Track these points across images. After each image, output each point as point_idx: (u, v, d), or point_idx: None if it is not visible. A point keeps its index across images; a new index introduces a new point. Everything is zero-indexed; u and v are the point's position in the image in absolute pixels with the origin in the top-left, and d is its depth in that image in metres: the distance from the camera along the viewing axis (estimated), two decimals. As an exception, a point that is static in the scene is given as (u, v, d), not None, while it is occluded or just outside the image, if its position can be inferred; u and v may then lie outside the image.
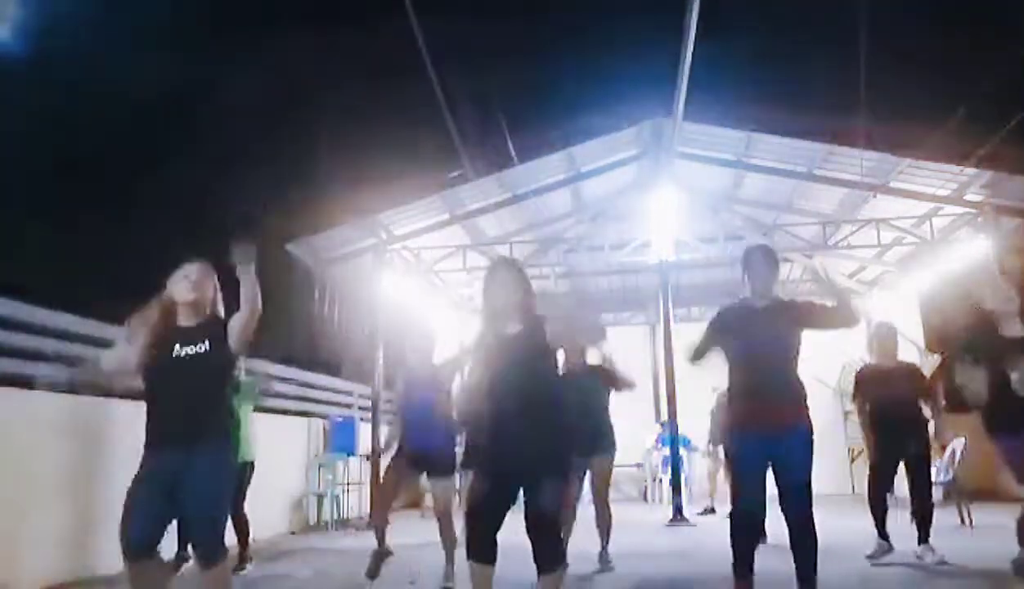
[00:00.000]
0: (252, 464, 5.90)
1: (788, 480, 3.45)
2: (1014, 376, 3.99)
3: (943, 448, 8.34)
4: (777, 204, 11.25)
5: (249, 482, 5.86)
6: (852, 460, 11.45)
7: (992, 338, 4.16)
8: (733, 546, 3.56)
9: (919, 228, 10.18)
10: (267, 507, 6.03)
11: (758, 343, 3.52)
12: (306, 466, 9.07)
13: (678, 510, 8.63)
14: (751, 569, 3.54)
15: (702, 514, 9.10)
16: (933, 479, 7.75)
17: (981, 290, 4.35)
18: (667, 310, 9.76)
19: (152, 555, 2.94)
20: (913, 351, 11.34)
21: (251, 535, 5.82)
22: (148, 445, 3.03)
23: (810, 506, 3.42)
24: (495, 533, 3.02)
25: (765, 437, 3.43)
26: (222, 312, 3.21)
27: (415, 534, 5.03)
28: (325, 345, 11.20)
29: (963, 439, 7.64)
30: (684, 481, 9.29)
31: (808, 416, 3.52)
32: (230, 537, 5.77)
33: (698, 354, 3.76)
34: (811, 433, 3.50)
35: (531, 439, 2.98)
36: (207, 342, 3.07)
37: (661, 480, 11.23)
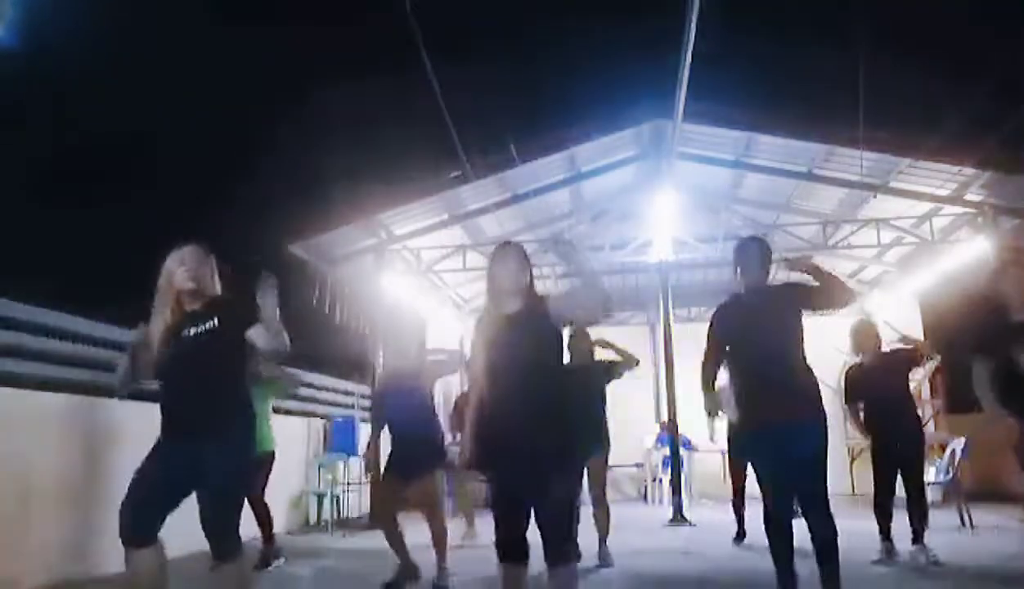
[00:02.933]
0: (273, 454, 5.93)
1: (803, 477, 3.41)
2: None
3: (943, 448, 8.35)
4: (777, 204, 11.25)
5: (270, 472, 5.88)
6: (852, 460, 11.45)
7: (1001, 324, 4.04)
8: (771, 553, 3.51)
9: (919, 228, 10.18)
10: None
11: (757, 339, 3.49)
12: (306, 466, 9.08)
13: (678, 510, 8.63)
14: (792, 574, 3.46)
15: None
16: (933, 479, 7.81)
17: (983, 283, 4.29)
18: (667, 310, 9.76)
19: (150, 542, 2.91)
20: (913, 351, 11.35)
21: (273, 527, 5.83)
22: (163, 434, 3.00)
23: (827, 503, 3.37)
24: (524, 531, 2.95)
25: (777, 435, 3.37)
26: (220, 291, 3.17)
27: (423, 534, 5.01)
28: (326, 345, 11.20)
29: (963, 439, 7.64)
30: (684, 481, 9.28)
31: (819, 407, 3.45)
32: (252, 530, 5.83)
33: (710, 374, 3.72)
34: (823, 425, 3.43)
35: (535, 428, 2.90)
36: (215, 319, 3.03)
37: (661, 480, 11.23)
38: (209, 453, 2.90)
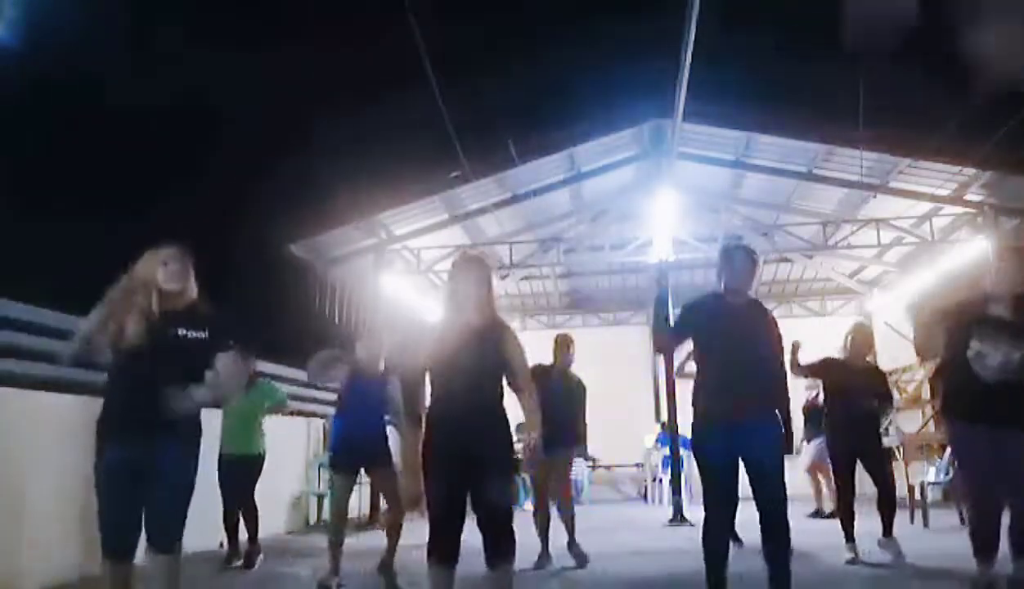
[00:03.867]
0: (263, 457, 5.98)
1: (764, 476, 3.38)
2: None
3: (942, 448, 8.34)
4: (777, 204, 11.26)
5: (258, 475, 5.92)
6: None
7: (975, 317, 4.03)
8: (706, 554, 3.49)
9: (919, 228, 10.18)
10: (267, 507, 6.08)
11: (739, 340, 3.47)
12: (306, 466, 9.08)
13: (678, 510, 8.63)
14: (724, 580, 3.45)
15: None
16: (933, 479, 7.81)
17: (976, 281, 4.29)
18: (667, 310, 9.76)
19: (132, 555, 2.95)
20: (913, 351, 11.35)
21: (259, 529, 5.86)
22: (114, 430, 2.96)
23: (783, 504, 3.36)
24: (458, 533, 3.01)
25: (734, 433, 3.36)
26: (196, 294, 3.18)
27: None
28: (326, 345, 11.21)
29: (949, 444, 7.63)
30: (684, 481, 9.28)
31: (776, 414, 3.47)
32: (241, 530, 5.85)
33: (673, 340, 3.79)
34: (780, 430, 3.45)
35: (479, 430, 3.00)
36: (206, 331, 3.06)
37: (661, 480, 11.23)
38: (165, 449, 2.95)
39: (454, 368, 3.07)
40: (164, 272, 3.06)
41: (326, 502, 8.82)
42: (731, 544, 3.60)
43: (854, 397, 5.32)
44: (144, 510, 2.94)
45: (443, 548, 2.99)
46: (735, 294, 3.61)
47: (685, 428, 9.51)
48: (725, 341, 3.49)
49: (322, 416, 9.82)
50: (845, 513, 5.32)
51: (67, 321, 5.96)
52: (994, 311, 3.85)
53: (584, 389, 5.82)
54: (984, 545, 3.91)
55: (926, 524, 7.30)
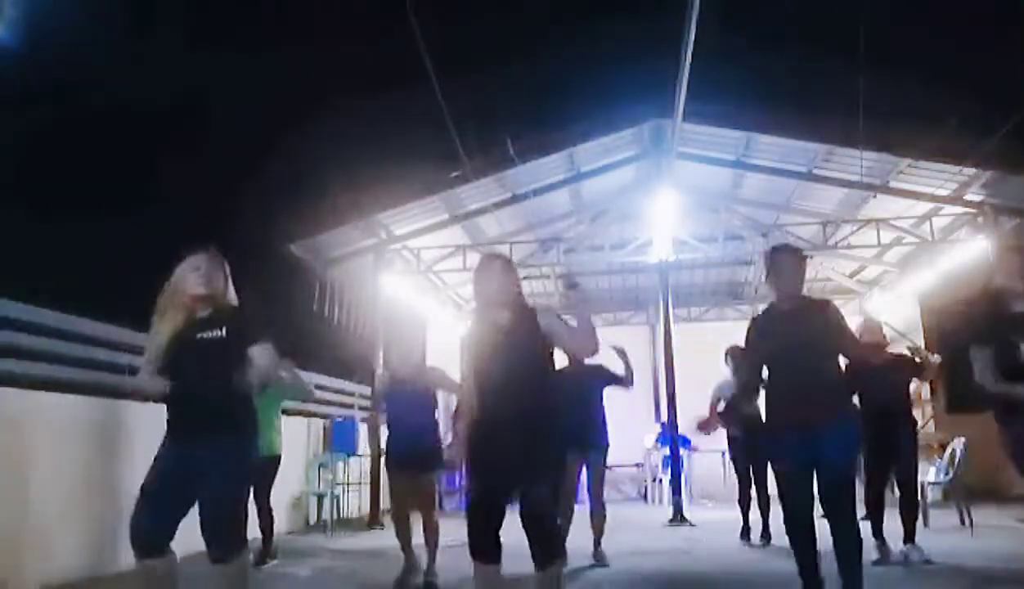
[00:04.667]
0: (279, 458, 5.98)
1: (828, 479, 3.39)
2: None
3: (942, 447, 8.34)
4: (777, 204, 11.26)
5: (275, 475, 5.92)
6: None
7: (999, 313, 4.00)
8: (795, 556, 3.48)
9: (919, 228, 10.18)
10: (267, 507, 6.10)
11: (790, 346, 3.47)
12: (306, 466, 9.08)
13: (678, 510, 8.63)
14: (817, 573, 3.43)
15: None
16: (933, 479, 7.80)
17: (983, 279, 4.27)
18: (667, 310, 9.77)
19: (163, 551, 2.91)
20: (913, 351, 11.35)
21: (275, 530, 5.88)
22: (168, 437, 3.02)
23: (853, 508, 3.36)
24: (496, 532, 3.01)
25: (804, 436, 3.37)
26: (235, 299, 3.19)
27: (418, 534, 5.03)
28: (326, 345, 11.21)
29: (963, 439, 7.63)
30: (684, 481, 9.28)
31: (846, 411, 3.51)
32: (253, 531, 5.84)
33: (752, 382, 3.77)
34: (852, 428, 3.48)
35: (522, 435, 2.98)
36: (223, 329, 3.05)
37: (661, 480, 11.23)
38: (209, 455, 2.92)
39: (492, 370, 3.07)
40: (194, 277, 3.07)
41: (326, 502, 8.82)
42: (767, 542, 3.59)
43: (885, 391, 5.24)
44: (200, 517, 2.91)
45: (486, 547, 2.99)
46: (788, 299, 3.58)
47: (685, 428, 9.57)
48: (786, 353, 3.49)
49: (322, 416, 9.83)
50: (874, 509, 5.24)
51: (67, 321, 5.98)
52: (1016, 307, 3.83)
53: (606, 371, 5.76)
54: None
55: (926, 524, 7.29)
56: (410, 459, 4.74)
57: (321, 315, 10.01)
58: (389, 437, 4.93)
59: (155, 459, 2.99)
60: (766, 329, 3.64)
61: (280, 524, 8.19)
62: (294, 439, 8.90)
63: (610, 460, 5.89)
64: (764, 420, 3.71)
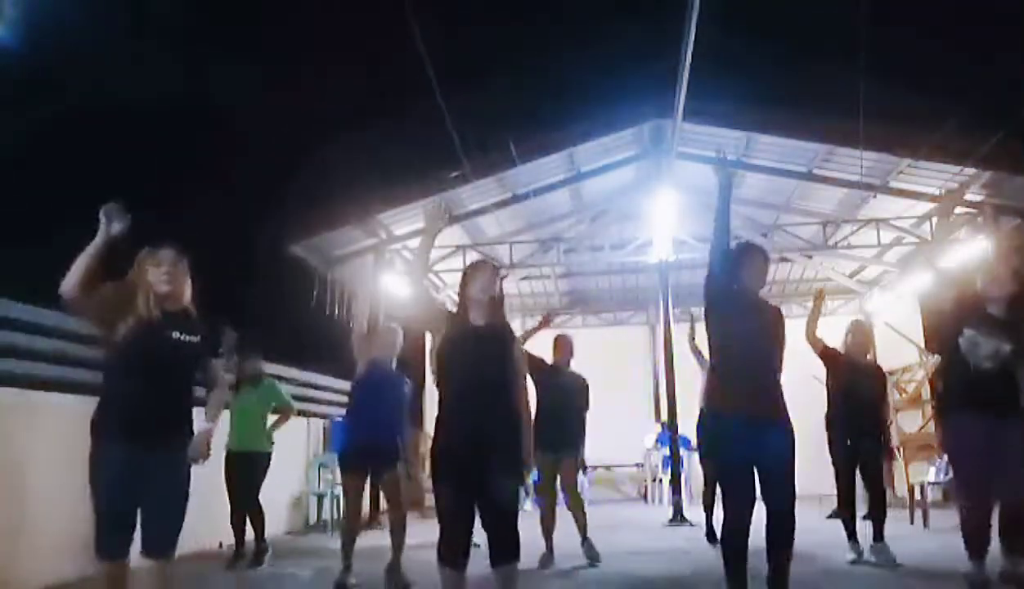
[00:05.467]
0: (269, 455, 5.98)
1: (776, 473, 3.36)
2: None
3: (942, 448, 8.34)
4: (777, 204, 11.25)
5: (265, 473, 5.92)
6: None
7: (975, 317, 4.09)
8: (724, 555, 3.45)
9: (919, 228, 10.18)
10: (267, 507, 6.08)
11: (756, 330, 3.48)
12: (306, 466, 9.08)
13: (678, 510, 8.63)
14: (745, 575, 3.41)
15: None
16: (933, 479, 7.81)
17: (975, 279, 4.35)
18: (667, 310, 9.77)
19: (126, 555, 2.96)
20: (913, 351, 11.35)
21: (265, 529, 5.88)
22: (112, 430, 2.97)
23: (793, 499, 3.35)
24: (467, 536, 3.03)
25: (751, 426, 3.34)
26: (191, 301, 3.19)
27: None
28: (326, 345, 11.22)
29: (943, 440, 7.63)
30: (684, 481, 9.29)
31: (788, 414, 3.46)
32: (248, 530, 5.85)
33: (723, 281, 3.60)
34: (793, 431, 3.43)
35: (486, 430, 3.02)
36: (199, 336, 3.11)
37: (661, 480, 11.23)
38: (162, 452, 2.98)
39: (464, 371, 3.12)
40: (157, 274, 3.06)
41: (326, 502, 8.82)
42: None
43: (855, 394, 5.32)
44: (141, 515, 2.94)
45: (453, 549, 3.01)
46: (752, 292, 3.61)
47: (685, 428, 9.58)
48: (746, 337, 3.47)
49: (322, 416, 9.83)
50: (847, 511, 5.32)
51: (67, 321, 5.97)
52: (991, 310, 3.98)
53: (588, 389, 5.83)
54: (977, 541, 3.94)
55: (926, 524, 7.31)
56: (370, 454, 4.77)
57: (321, 315, 10.00)
58: (350, 429, 4.94)
59: (98, 465, 2.97)
60: (733, 301, 3.55)
61: (280, 524, 8.20)
62: (294, 439, 8.91)
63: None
64: (707, 403, 3.63)
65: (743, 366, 3.44)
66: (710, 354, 3.65)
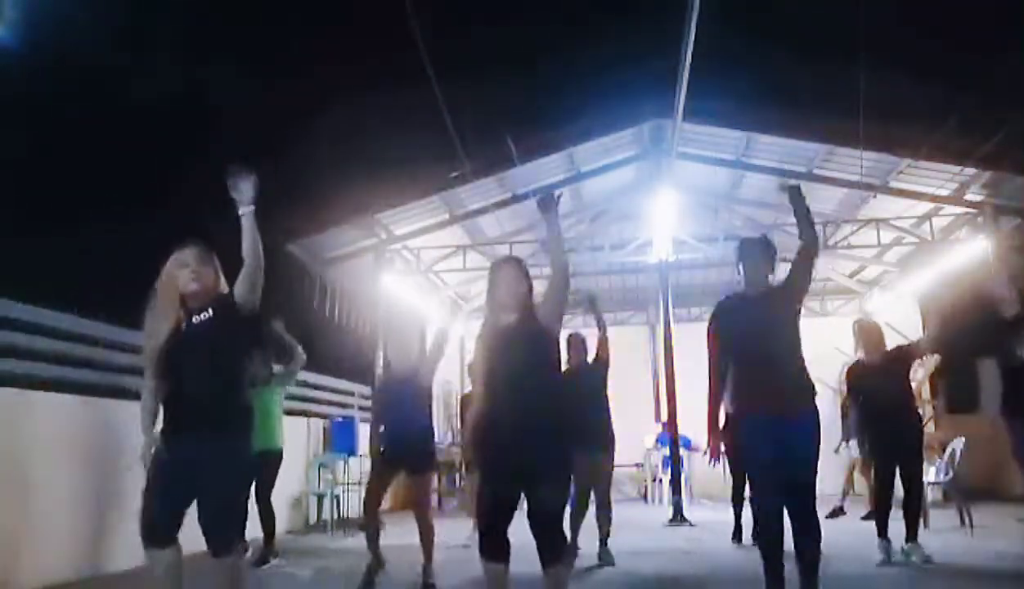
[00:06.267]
0: (281, 452, 5.96)
1: (796, 471, 3.39)
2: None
3: (943, 447, 8.34)
4: (777, 204, 11.23)
5: (278, 471, 5.91)
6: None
7: (993, 321, 4.08)
8: (761, 550, 3.48)
9: (919, 228, 10.18)
10: (267, 507, 6.10)
11: (755, 332, 3.48)
12: (306, 466, 9.07)
13: (678, 510, 8.63)
14: (781, 574, 3.41)
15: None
16: (933, 479, 7.81)
17: (981, 282, 4.34)
18: (667, 310, 9.77)
19: (172, 542, 2.96)
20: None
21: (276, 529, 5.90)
22: (167, 431, 3.03)
23: (814, 501, 3.37)
24: (505, 531, 3.04)
25: (772, 425, 3.36)
26: (226, 289, 3.18)
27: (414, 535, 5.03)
28: (325, 345, 11.22)
29: (963, 439, 7.64)
30: (684, 481, 9.28)
31: (815, 406, 3.46)
32: (255, 531, 5.84)
33: (720, 376, 3.67)
34: (817, 421, 3.44)
35: (530, 434, 3.00)
36: (210, 310, 3.06)
37: (661, 480, 11.23)
38: (207, 450, 2.94)
39: (502, 370, 3.11)
40: (184, 274, 3.07)
41: (326, 502, 8.82)
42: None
43: (889, 391, 5.25)
44: (198, 512, 2.95)
45: (494, 546, 3.02)
46: (753, 287, 3.60)
47: (685, 428, 9.58)
48: (752, 345, 3.49)
49: (323, 416, 9.83)
50: (883, 511, 5.23)
51: (67, 321, 5.97)
52: (1007, 313, 3.91)
53: (606, 379, 5.73)
54: None
55: (926, 524, 7.29)
56: (399, 456, 4.70)
57: (321, 315, 10.00)
58: (382, 433, 4.88)
59: (154, 456, 3.00)
60: (732, 314, 3.62)
61: (280, 524, 8.19)
62: (294, 439, 8.89)
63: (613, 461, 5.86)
64: (731, 409, 3.64)
65: (758, 367, 3.46)
66: (728, 359, 3.66)
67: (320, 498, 9.02)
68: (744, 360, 3.54)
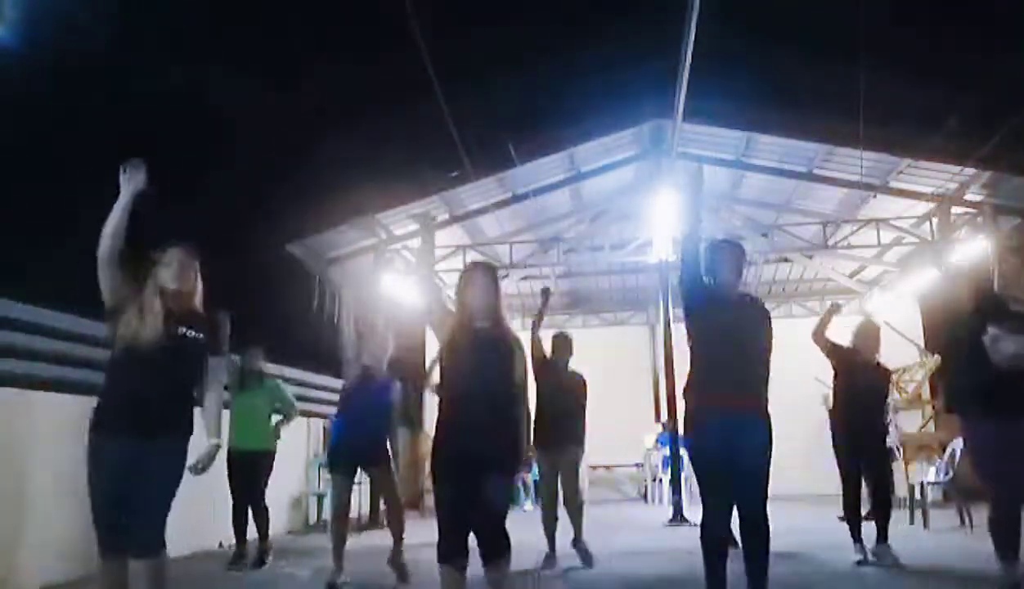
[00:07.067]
0: (273, 453, 5.99)
1: (750, 469, 3.31)
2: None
3: (943, 447, 8.34)
4: (777, 204, 11.26)
5: (270, 471, 5.92)
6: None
7: (999, 313, 4.02)
8: (702, 547, 3.41)
9: (919, 228, 10.18)
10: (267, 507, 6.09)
11: (734, 325, 3.41)
12: (306, 466, 9.08)
13: (678, 510, 8.63)
14: (723, 576, 3.36)
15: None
16: (933, 479, 7.80)
17: (982, 281, 4.31)
18: (667, 310, 9.76)
19: (127, 552, 2.95)
20: (913, 351, 11.35)
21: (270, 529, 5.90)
22: (113, 427, 2.97)
23: (765, 501, 3.31)
24: (466, 535, 3.05)
25: (728, 426, 3.28)
26: (200, 301, 3.21)
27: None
28: (325, 345, 11.22)
29: (963, 439, 7.63)
30: (684, 481, 9.28)
31: (768, 413, 3.39)
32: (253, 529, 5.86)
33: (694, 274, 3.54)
34: (771, 431, 3.36)
35: (486, 432, 3.04)
36: (202, 333, 3.12)
37: (661, 480, 11.23)
38: (161, 449, 2.98)
39: (465, 373, 3.13)
40: (168, 272, 3.09)
41: (326, 502, 8.82)
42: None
43: (861, 394, 5.29)
44: (132, 514, 2.93)
45: (453, 548, 3.02)
46: (726, 289, 3.56)
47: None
48: (725, 340, 3.42)
49: (323, 416, 9.82)
50: (851, 512, 5.27)
51: (67, 321, 5.97)
52: (1013, 307, 3.89)
53: (586, 388, 5.82)
54: (1008, 544, 3.85)
55: (926, 524, 7.30)
56: (362, 452, 4.83)
57: (321, 315, 10.00)
58: (338, 430, 4.98)
59: (97, 460, 2.97)
60: (708, 304, 3.50)
61: (280, 524, 8.20)
62: (294, 439, 8.90)
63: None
64: (687, 406, 3.56)
65: (721, 361, 3.39)
66: (690, 349, 3.56)
67: (320, 498, 9.03)
68: (708, 352, 3.45)
